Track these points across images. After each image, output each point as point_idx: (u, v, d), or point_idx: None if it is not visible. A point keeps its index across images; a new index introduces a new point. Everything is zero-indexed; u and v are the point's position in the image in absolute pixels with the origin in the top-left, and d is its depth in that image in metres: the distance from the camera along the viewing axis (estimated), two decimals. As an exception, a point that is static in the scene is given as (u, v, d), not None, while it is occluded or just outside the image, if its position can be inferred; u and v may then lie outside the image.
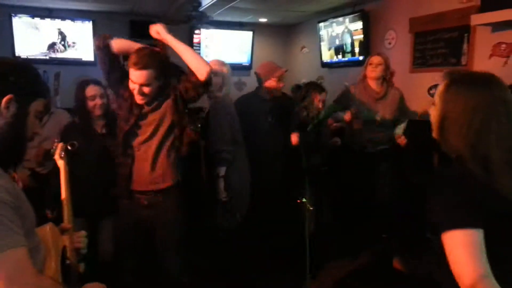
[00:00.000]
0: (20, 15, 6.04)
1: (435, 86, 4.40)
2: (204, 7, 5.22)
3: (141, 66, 2.13)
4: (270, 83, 3.31)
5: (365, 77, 3.56)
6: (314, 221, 3.09)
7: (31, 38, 6.16)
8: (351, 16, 5.67)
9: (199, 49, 7.14)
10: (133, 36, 6.66)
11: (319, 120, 2.36)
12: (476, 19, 3.59)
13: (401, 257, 2.58)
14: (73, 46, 6.44)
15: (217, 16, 6.30)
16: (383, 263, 2.81)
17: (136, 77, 2.15)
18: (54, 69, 6.16)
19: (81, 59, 6.52)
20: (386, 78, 3.53)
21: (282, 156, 3.21)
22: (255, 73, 3.51)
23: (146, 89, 2.17)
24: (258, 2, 5.64)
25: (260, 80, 3.37)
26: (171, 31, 2.35)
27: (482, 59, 3.96)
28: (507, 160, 1.06)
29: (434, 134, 1.23)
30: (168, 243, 2.40)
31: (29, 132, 1.16)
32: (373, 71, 3.46)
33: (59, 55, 6.38)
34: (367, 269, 3.20)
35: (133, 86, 2.19)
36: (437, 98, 1.22)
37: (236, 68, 7.50)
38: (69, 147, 1.84)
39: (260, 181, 3.13)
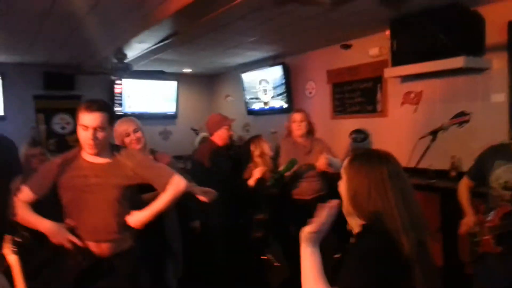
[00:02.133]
0: None
1: (356, 131, 4.77)
2: (130, 59, 5.13)
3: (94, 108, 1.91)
4: (223, 132, 3.37)
5: (290, 132, 3.56)
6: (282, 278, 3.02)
7: None
8: (272, 68, 6.00)
9: (121, 100, 6.94)
10: (48, 88, 6.31)
11: (281, 174, 2.37)
12: (388, 72, 4.04)
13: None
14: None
15: (140, 66, 6.22)
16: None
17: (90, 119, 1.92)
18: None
19: (-15, 113, 5.91)
20: (310, 131, 3.55)
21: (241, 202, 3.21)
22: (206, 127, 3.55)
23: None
24: (181, 55, 5.71)
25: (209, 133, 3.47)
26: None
27: (395, 106, 4.43)
28: (409, 224, 1.22)
29: (345, 205, 1.35)
30: None
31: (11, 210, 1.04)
32: (298, 129, 3.46)
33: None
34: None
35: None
36: (343, 173, 1.37)
37: (162, 117, 7.44)
38: (18, 240, 1.62)
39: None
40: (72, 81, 6.44)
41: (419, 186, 3.29)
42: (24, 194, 1.89)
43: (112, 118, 2.02)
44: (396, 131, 4.42)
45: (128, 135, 2.71)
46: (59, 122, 6.43)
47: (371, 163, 1.29)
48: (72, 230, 1.91)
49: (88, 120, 1.88)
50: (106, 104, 2.00)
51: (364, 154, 1.35)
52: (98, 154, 2.01)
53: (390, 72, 4.02)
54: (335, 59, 5.17)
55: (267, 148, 3.30)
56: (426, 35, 3.56)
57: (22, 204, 1.87)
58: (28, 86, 6.18)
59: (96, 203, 1.98)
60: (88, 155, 2.02)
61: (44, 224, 1.87)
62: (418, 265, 1.17)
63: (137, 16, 3.69)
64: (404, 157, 3.33)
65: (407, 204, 1.24)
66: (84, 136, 1.92)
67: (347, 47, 4.90)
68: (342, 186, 1.34)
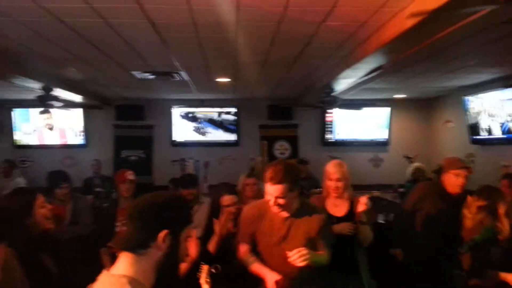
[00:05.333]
0: (178, 106, 7.09)
1: None
2: (338, 92, 5.31)
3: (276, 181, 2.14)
4: (447, 176, 2.92)
5: None
6: None
7: (185, 124, 7.13)
8: (506, 90, 5.04)
9: (331, 128, 7.21)
10: (270, 118, 7.19)
11: (475, 243, 1.97)
12: None
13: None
14: (220, 129, 7.18)
15: (350, 95, 6.32)
16: None
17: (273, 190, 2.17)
18: (202, 151, 6.94)
19: (226, 140, 7.20)
20: None
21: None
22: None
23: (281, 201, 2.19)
24: (392, 82, 5.49)
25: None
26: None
27: None
28: None
29: None
30: None
31: (182, 257, 1.26)
32: None
33: (207, 137, 7.16)
34: None
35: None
36: None
37: (372, 144, 7.32)
38: (213, 270, 1.89)
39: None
40: (290, 112, 7.14)
41: None
42: (242, 248, 2.29)
43: (294, 183, 2.14)
44: None
45: (330, 180, 2.74)
46: (278, 148, 7.22)
47: None
48: None
49: (271, 190, 2.11)
50: (288, 173, 2.11)
51: None
52: (285, 211, 2.19)
53: None
54: None
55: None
56: None
57: (245, 255, 2.27)
58: (255, 117, 7.21)
59: (283, 253, 2.12)
60: None
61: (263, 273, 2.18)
62: None
63: (339, 57, 3.80)
64: None
65: None
66: (270, 200, 2.14)
67: None
68: None
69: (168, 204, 1.23)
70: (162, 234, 1.17)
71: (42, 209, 2.08)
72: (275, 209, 2.17)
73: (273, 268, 2.21)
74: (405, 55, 3.59)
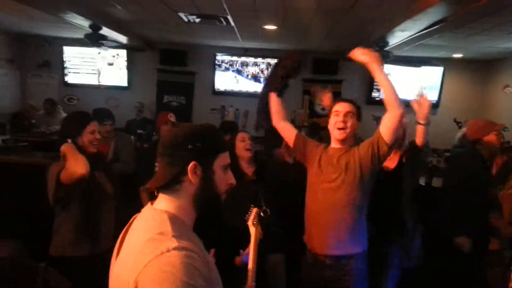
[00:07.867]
0: (221, 54, 6.98)
1: None
2: (391, 46, 5.01)
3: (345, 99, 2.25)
4: (490, 138, 2.81)
5: None
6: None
7: (227, 73, 7.06)
8: None
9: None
10: (315, 72, 6.96)
11: None
12: None
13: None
14: (262, 80, 7.06)
15: (403, 52, 5.97)
16: None
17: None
18: (243, 101, 6.89)
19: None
20: None
21: None
22: (466, 135, 3.04)
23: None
24: (451, 40, 5.10)
25: (473, 141, 2.94)
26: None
27: None
28: None
29: None
30: None
31: (221, 187, 1.19)
32: None
33: (248, 87, 7.08)
34: None
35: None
36: None
37: (419, 106, 6.97)
38: (262, 214, 1.83)
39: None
40: (335, 66, 6.87)
41: None
42: None
43: (359, 113, 2.24)
44: None
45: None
46: (320, 103, 7.03)
47: None
48: None
49: (340, 106, 2.17)
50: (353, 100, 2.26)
51: None
52: (344, 134, 2.15)
53: None
54: None
55: None
56: None
57: None
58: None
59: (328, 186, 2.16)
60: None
61: None
62: None
63: (399, 6, 3.53)
64: None
65: None
66: (335, 120, 2.15)
67: None
68: None
69: (192, 135, 1.16)
70: (191, 166, 1.12)
71: (91, 135, 2.16)
72: (338, 127, 2.14)
73: (314, 206, 2.18)
74: (471, 8, 3.29)
